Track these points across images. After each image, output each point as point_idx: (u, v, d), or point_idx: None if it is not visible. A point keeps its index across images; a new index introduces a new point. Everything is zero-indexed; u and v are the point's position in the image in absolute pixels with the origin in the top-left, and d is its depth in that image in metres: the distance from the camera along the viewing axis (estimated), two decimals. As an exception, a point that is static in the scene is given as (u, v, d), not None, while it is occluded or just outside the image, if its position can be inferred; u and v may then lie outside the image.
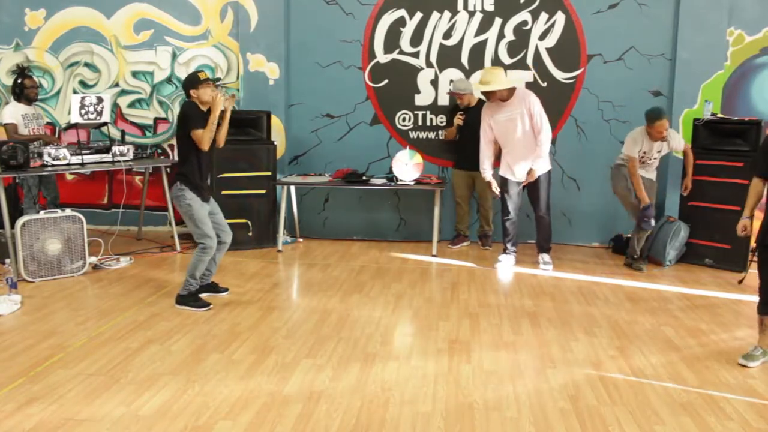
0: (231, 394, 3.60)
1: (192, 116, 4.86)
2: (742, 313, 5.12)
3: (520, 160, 6.21)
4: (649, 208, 6.17)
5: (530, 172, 6.16)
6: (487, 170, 6.36)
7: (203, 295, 5.21)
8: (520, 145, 6.17)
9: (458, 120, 6.92)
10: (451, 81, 7.08)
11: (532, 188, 6.33)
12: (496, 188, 6.36)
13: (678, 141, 6.33)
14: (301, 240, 7.52)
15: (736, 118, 6.53)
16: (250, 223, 6.93)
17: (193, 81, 4.90)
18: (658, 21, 6.99)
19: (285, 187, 7.06)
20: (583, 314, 5.04)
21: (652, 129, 6.05)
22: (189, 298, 5.06)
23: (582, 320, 4.90)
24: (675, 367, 4.05)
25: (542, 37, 7.17)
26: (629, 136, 6.25)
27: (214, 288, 5.37)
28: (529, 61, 7.20)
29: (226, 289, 5.45)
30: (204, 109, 4.91)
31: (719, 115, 6.75)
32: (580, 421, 3.35)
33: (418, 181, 6.80)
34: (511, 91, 6.13)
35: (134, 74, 7.82)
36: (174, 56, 7.72)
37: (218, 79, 5.07)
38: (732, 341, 4.46)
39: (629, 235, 6.89)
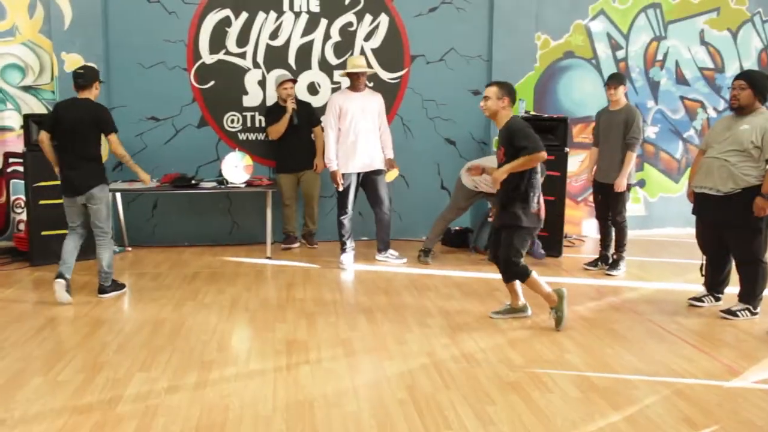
0: (57, 419, 3.34)
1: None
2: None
3: (364, 151, 6.28)
4: None
5: (391, 164, 6.46)
6: (333, 161, 6.27)
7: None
8: (369, 136, 6.30)
9: (291, 104, 6.77)
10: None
11: (374, 187, 6.44)
12: (341, 181, 6.27)
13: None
14: (129, 249, 7.16)
15: (546, 115, 7.07)
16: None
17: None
18: (474, 25, 7.38)
19: (110, 194, 6.66)
20: (417, 306, 5.22)
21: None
22: (114, 285, 5.52)
23: (416, 312, 5.07)
24: (502, 349, 4.31)
25: (367, 38, 7.33)
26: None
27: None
28: (356, 61, 7.33)
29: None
30: None
31: (532, 113, 7.27)
32: (417, 409, 3.46)
33: (248, 183, 6.71)
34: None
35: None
36: (-26, 55, 7.05)
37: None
38: (549, 321, 4.76)
39: (457, 228, 7.21)
